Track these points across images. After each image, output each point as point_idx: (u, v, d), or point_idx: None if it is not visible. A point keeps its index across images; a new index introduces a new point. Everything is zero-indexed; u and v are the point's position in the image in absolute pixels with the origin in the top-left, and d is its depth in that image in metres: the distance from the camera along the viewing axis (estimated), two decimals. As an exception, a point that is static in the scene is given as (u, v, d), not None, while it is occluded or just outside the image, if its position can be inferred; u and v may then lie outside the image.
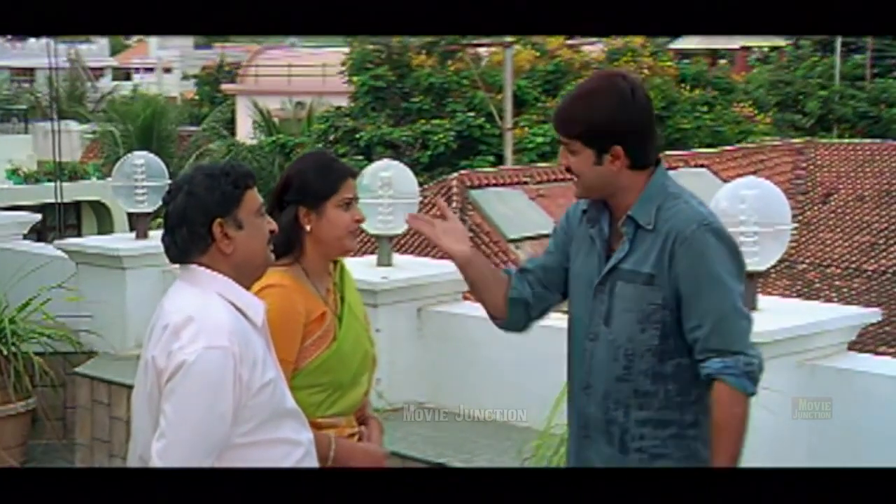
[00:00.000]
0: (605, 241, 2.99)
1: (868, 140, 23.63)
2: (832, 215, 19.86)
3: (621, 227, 2.94)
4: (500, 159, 22.79)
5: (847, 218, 19.73)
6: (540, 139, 23.92)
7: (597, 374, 2.96)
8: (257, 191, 2.80)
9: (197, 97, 42.71)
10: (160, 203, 6.79)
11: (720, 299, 2.85)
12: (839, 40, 32.23)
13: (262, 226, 2.79)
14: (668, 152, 21.83)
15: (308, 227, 3.14)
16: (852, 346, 4.68)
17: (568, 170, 2.98)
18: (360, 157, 22.13)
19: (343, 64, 27.40)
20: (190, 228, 2.71)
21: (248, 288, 2.79)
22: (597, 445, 2.99)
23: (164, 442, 2.59)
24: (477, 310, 5.63)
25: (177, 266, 2.81)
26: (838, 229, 19.53)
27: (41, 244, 8.07)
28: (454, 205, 16.80)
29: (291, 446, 2.76)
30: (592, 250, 3.01)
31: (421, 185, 6.91)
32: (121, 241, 6.97)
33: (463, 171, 18.48)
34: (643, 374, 2.90)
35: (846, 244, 19.16)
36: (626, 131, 2.90)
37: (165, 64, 54.58)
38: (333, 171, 3.19)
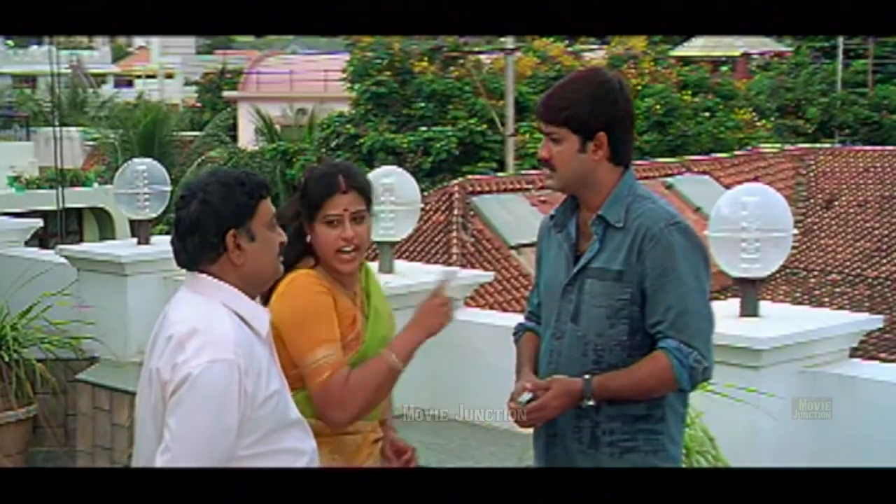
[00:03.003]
0: (572, 244, 3.05)
1: (870, 146, 23.63)
2: (834, 222, 19.86)
3: (591, 227, 2.99)
4: (501, 165, 22.80)
5: (849, 224, 19.72)
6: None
7: (564, 370, 3.00)
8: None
9: (199, 104, 42.75)
10: (162, 209, 6.87)
11: (681, 297, 2.89)
12: (841, 47, 32.26)
13: (273, 238, 2.77)
14: (669, 158, 21.86)
15: (308, 239, 3.14)
16: (854, 353, 4.67)
17: (545, 161, 3.01)
18: (362, 164, 22.14)
19: (344, 70, 27.41)
20: (202, 237, 2.69)
21: (253, 298, 2.79)
22: (563, 442, 3.03)
23: (169, 455, 2.58)
24: (478, 316, 5.64)
25: (180, 273, 2.80)
26: (840, 236, 19.53)
27: (43, 251, 8.07)
28: (455, 211, 16.80)
29: (295, 456, 2.75)
30: (560, 254, 3.07)
31: (423, 191, 6.92)
32: (122, 247, 6.97)
33: (465, 178, 18.49)
34: (613, 368, 2.95)
35: (848, 251, 19.15)
36: (611, 118, 2.96)
37: (167, 70, 54.63)
38: (322, 183, 3.10)
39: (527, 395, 2.94)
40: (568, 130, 2.95)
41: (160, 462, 2.59)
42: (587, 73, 3.10)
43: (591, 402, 2.91)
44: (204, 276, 2.72)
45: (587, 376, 2.91)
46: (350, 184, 3.12)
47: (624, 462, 2.96)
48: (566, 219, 3.08)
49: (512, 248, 16.49)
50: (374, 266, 5.74)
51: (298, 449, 2.77)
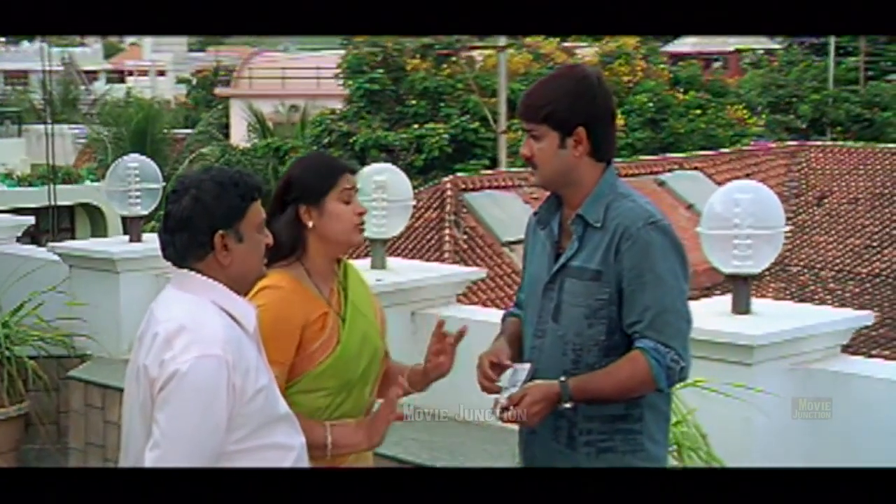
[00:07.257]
0: (554, 241, 3.06)
1: (861, 143, 23.67)
2: (825, 218, 19.89)
3: (570, 226, 3.00)
4: (494, 163, 22.79)
5: (840, 221, 19.76)
6: (534, 142, 23.94)
7: (545, 368, 2.99)
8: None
9: (191, 101, 42.67)
10: (154, 206, 6.86)
11: (660, 297, 2.89)
12: (832, 44, 32.30)
13: (260, 241, 2.78)
14: (661, 155, 21.88)
15: (310, 224, 3.15)
16: (846, 350, 4.68)
17: (528, 159, 3.03)
18: (355, 161, 22.08)
19: (338, 67, 27.39)
20: (192, 235, 2.70)
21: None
22: (542, 441, 3.03)
23: (159, 452, 2.58)
24: (471, 313, 5.63)
25: (172, 270, 2.80)
26: (832, 232, 19.56)
27: (35, 247, 8.05)
28: (448, 208, 16.79)
29: (284, 451, 2.76)
30: (543, 252, 3.08)
31: (415, 188, 6.92)
32: (114, 244, 6.95)
33: (457, 175, 18.48)
34: (590, 368, 2.94)
35: (839, 247, 19.19)
36: (590, 113, 2.96)
37: (159, 67, 54.52)
38: (330, 166, 3.22)
39: (502, 401, 2.95)
40: (547, 127, 2.96)
41: (149, 458, 2.58)
42: (565, 71, 3.10)
43: (569, 405, 2.90)
44: (193, 274, 2.73)
45: (563, 378, 2.91)
46: (353, 166, 3.33)
47: (600, 462, 2.96)
48: (550, 216, 3.09)
49: (504, 244, 16.49)
50: (366, 262, 5.75)
51: (287, 444, 2.77)
